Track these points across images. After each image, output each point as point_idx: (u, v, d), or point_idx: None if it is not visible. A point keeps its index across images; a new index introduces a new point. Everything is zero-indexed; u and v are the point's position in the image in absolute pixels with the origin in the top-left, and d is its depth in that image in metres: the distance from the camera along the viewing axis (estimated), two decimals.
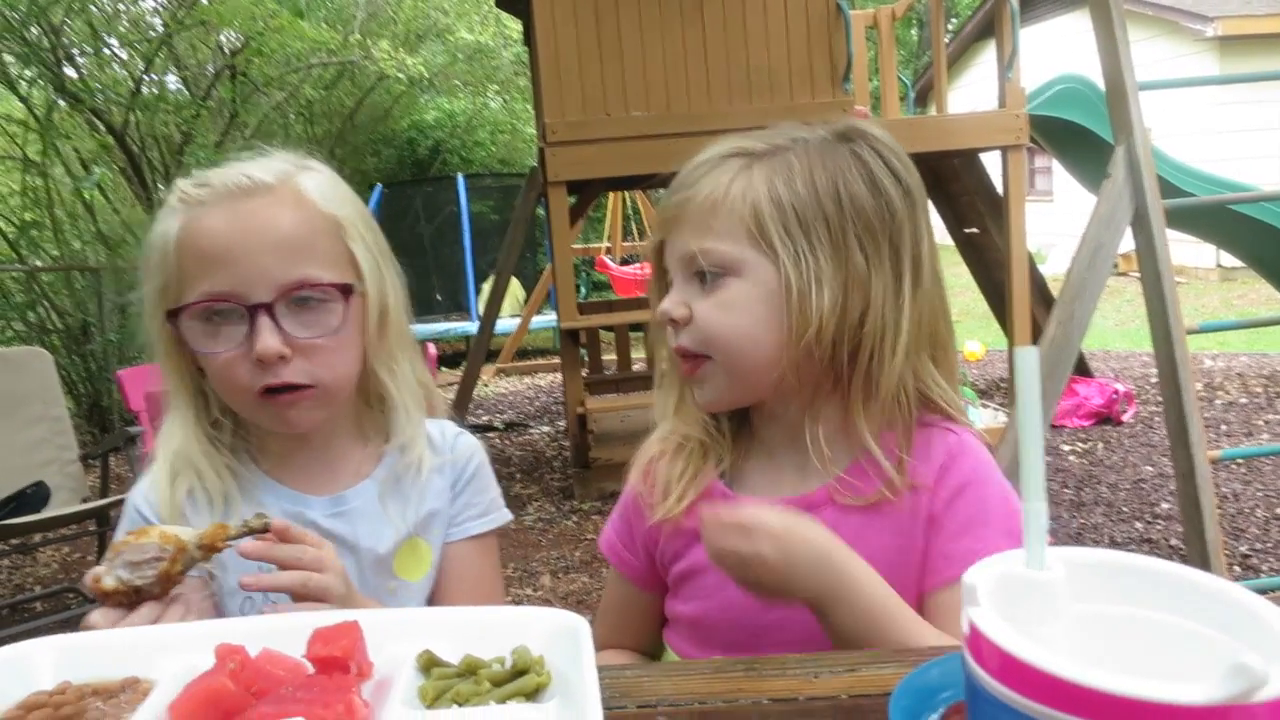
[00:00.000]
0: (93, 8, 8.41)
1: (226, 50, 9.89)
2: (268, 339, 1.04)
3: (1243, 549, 3.77)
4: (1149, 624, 0.54)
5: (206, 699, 0.65)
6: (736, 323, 1.01)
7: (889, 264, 1.01)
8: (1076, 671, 0.44)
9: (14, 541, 4.21)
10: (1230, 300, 10.40)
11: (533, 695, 0.70)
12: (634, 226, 11.54)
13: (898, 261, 1.01)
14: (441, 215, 11.03)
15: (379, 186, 10.95)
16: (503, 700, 0.69)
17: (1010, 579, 0.53)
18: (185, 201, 1.08)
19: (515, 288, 9.65)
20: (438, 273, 10.98)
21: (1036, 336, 4.81)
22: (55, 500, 3.77)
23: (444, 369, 9.12)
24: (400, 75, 11.57)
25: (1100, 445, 5.36)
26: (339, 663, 0.70)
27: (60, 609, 3.95)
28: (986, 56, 13.90)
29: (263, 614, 0.97)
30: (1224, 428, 5.48)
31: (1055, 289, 3.08)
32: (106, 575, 0.90)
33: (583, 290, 11.01)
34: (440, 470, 1.20)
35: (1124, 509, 4.31)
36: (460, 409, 5.95)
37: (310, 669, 0.71)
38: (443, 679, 0.72)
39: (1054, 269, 10.31)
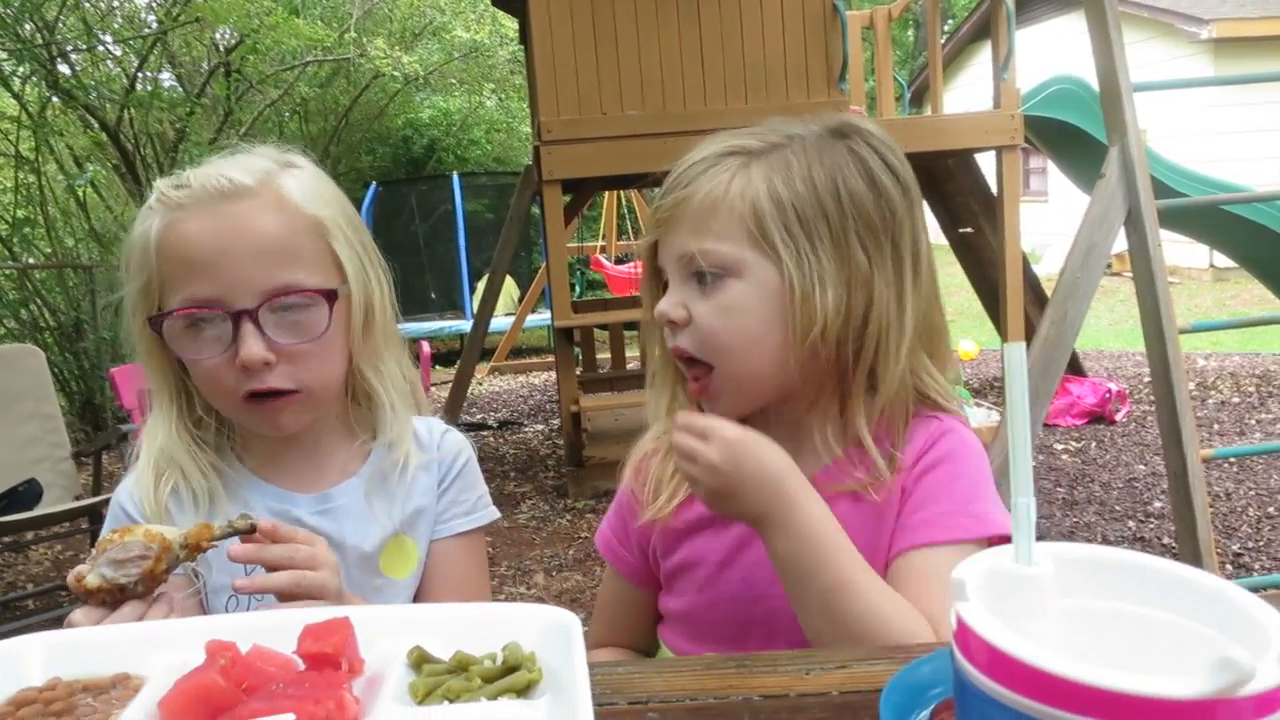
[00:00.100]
0: (86, 4, 8.39)
1: (221, 47, 9.88)
2: (252, 346, 1.03)
3: (1235, 547, 3.79)
4: (1136, 619, 0.54)
5: (197, 695, 0.65)
6: (738, 325, 0.99)
7: (891, 262, 1.01)
8: (1064, 666, 0.44)
9: (6, 539, 4.20)
10: (1223, 300, 10.43)
11: (524, 692, 0.70)
12: (629, 225, 11.54)
13: (899, 259, 1.01)
14: (436, 214, 11.02)
15: (374, 184, 10.94)
16: (494, 697, 0.69)
17: (998, 574, 0.53)
18: (164, 203, 1.07)
19: (510, 286, 9.65)
20: (432, 271, 10.97)
21: (1030, 336, 4.83)
22: (48, 498, 3.76)
23: (438, 367, 9.11)
24: (395, 73, 11.56)
25: (1093, 444, 5.37)
26: (330, 659, 0.70)
27: (52, 607, 3.94)
28: (982, 57, 13.93)
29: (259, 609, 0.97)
30: (1216, 427, 5.50)
31: (1049, 289, 3.09)
32: (90, 573, 0.89)
33: (577, 289, 11.01)
34: (427, 467, 1.20)
35: (1117, 508, 4.32)
36: (454, 407, 5.94)
37: (301, 665, 0.71)
38: (434, 675, 0.72)
39: (1048, 269, 10.33)
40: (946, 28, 17.45)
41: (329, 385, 1.12)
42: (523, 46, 6.72)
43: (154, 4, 9.31)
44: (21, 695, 0.72)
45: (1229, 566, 3.61)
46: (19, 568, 4.61)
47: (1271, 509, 4.18)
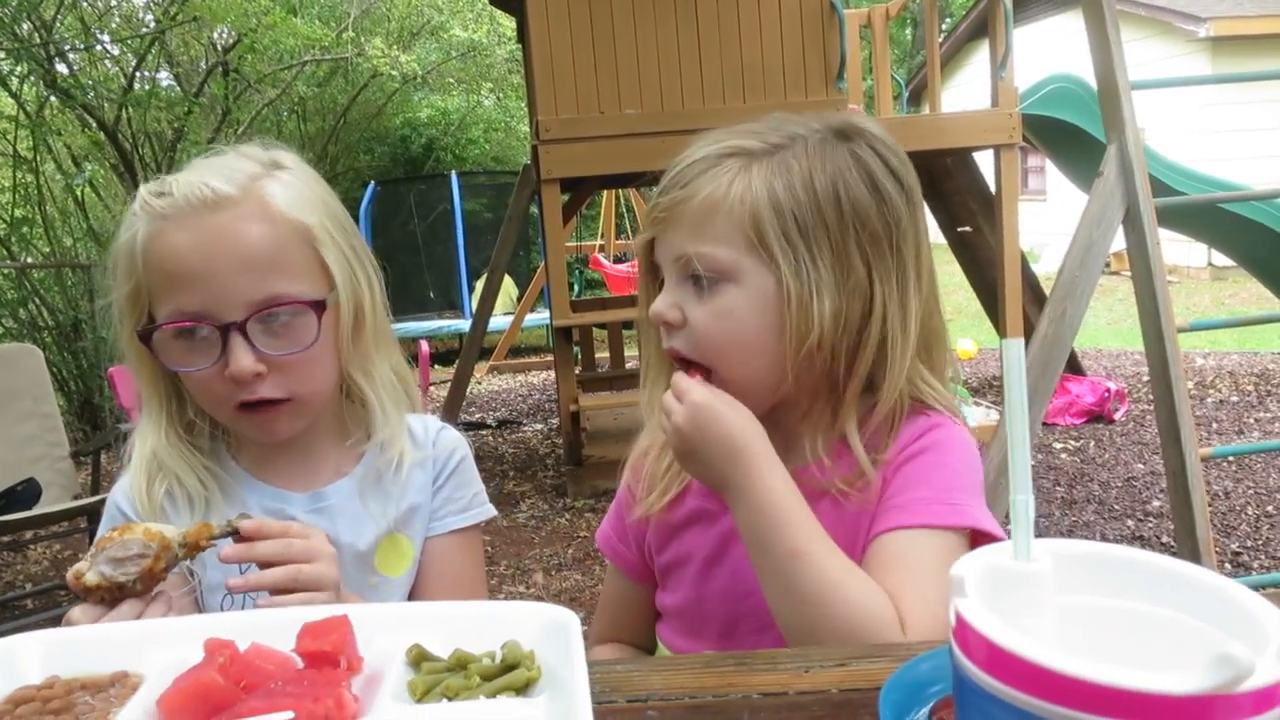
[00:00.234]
0: (84, 3, 8.38)
1: (219, 47, 9.86)
2: (241, 359, 1.03)
3: (1234, 546, 3.79)
4: (1135, 615, 0.54)
5: (196, 693, 0.65)
6: (734, 331, 0.99)
7: (895, 270, 1.00)
8: (1064, 662, 0.44)
9: (5, 538, 4.20)
10: (1221, 299, 10.44)
11: (523, 690, 0.70)
12: (628, 224, 11.54)
13: (903, 266, 1.00)
14: (435, 213, 11.01)
15: (372, 184, 10.94)
16: (493, 695, 0.69)
17: (997, 571, 0.53)
18: (148, 211, 1.05)
19: (508, 285, 9.64)
20: (431, 270, 10.97)
21: (1029, 335, 4.83)
22: (46, 497, 3.76)
23: (437, 366, 9.11)
24: (394, 73, 11.54)
25: (1092, 443, 5.38)
26: (329, 657, 0.70)
27: (51, 606, 3.94)
28: (980, 56, 13.94)
29: (258, 607, 0.96)
30: (1215, 426, 5.50)
31: (1048, 287, 3.09)
32: (89, 571, 0.89)
33: (576, 288, 10.99)
34: (422, 465, 1.20)
35: (1116, 507, 4.32)
36: (453, 406, 5.94)
37: (300, 663, 0.71)
38: (432, 673, 0.72)
39: (1047, 268, 10.33)
40: (944, 26, 17.45)
41: (321, 392, 1.12)
42: (520, 46, 6.71)
43: (152, 3, 9.30)
44: (20, 694, 0.71)
45: (1228, 565, 3.61)
46: (17, 567, 4.61)
47: (1270, 508, 4.19)
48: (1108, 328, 9.30)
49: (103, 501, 3.75)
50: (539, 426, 6.88)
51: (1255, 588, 0.56)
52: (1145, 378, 6.39)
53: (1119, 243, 2.87)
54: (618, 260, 11.31)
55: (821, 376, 1.02)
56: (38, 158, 7.35)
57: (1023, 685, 0.45)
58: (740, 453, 0.95)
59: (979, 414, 5.58)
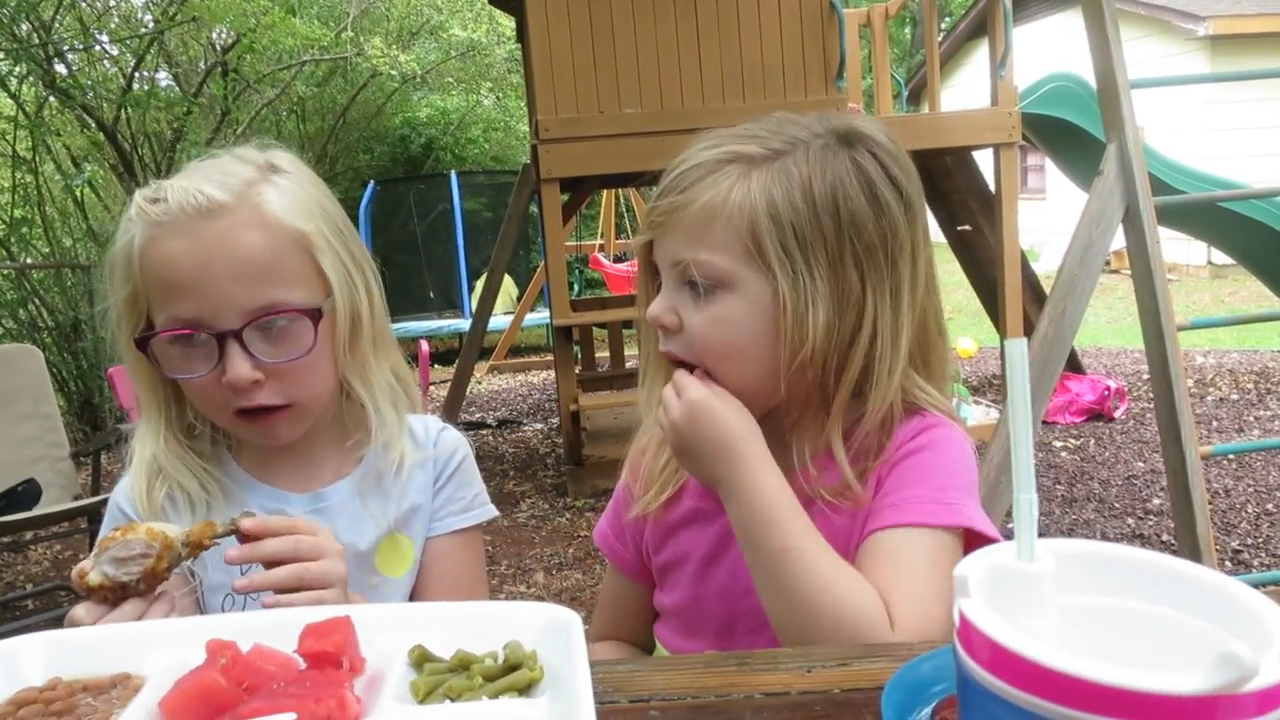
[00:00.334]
0: (83, 4, 8.37)
1: (218, 47, 9.86)
2: (239, 367, 1.03)
3: (1234, 544, 3.79)
4: (1138, 615, 0.54)
5: (198, 694, 0.65)
6: (730, 338, 0.99)
7: (889, 284, 0.99)
8: (1066, 662, 0.44)
9: (5, 539, 4.19)
10: (1221, 297, 10.45)
11: (525, 690, 0.70)
12: (627, 224, 11.54)
13: (897, 280, 1.00)
14: (434, 212, 11.01)
15: (372, 183, 10.93)
16: (495, 695, 0.69)
17: (1000, 570, 0.53)
18: (143, 218, 1.05)
19: (508, 285, 9.64)
20: (431, 270, 10.97)
21: (1029, 334, 4.83)
22: (46, 498, 3.76)
23: (437, 366, 9.11)
24: (393, 72, 11.54)
25: (1092, 441, 5.38)
26: (331, 658, 0.70)
27: (52, 606, 3.94)
28: (979, 55, 13.94)
29: (265, 607, 0.96)
30: (1215, 424, 5.51)
31: (1048, 286, 3.09)
32: (92, 570, 0.90)
33: (576, 287, 10.99)
34: (423, 465, 1.20)
35: (1116, 505, 4.33)
36: (453, 406, 5.94)
37: (302, 664, 0.71)
38: (435, 674, 0.72)
39: (1047, 266, 10.34)
40: (943, 25, 17.45)
41: (320, 396, 1.12)
42: (520, 45, 6.71)
43: (151, 3, 9.30)
44: (22, 695, 0.71)
45: (1228, 563, 3.61)
46: (18, 568, 4.60)
47: (1270, 505, 4.19)
48: (1108, 326, 9.30)
49: (103, 502, 3.76)
50: (539, 426, 6.88)
51: (1256, 585, 0.56)
52: (1145, 376, 6.39)
53: (1119, 241, 2.87)
54: (618, 260, 11.30)
55: (812, 386, 1.02)
56: (37, 158, 7.35)
57: (1026, 685, 0.45)
58: (733, 451, 0.96)
59: (979, 412, 5.58)
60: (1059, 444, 5.35)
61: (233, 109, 9.65)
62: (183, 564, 0.96)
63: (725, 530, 1.04)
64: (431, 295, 10.87)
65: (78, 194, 7.73)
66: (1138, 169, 2.80)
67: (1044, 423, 5.50)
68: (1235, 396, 6.15)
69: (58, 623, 0.91)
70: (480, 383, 8.67)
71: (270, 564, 0.95)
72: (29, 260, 7.48)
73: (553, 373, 6.26)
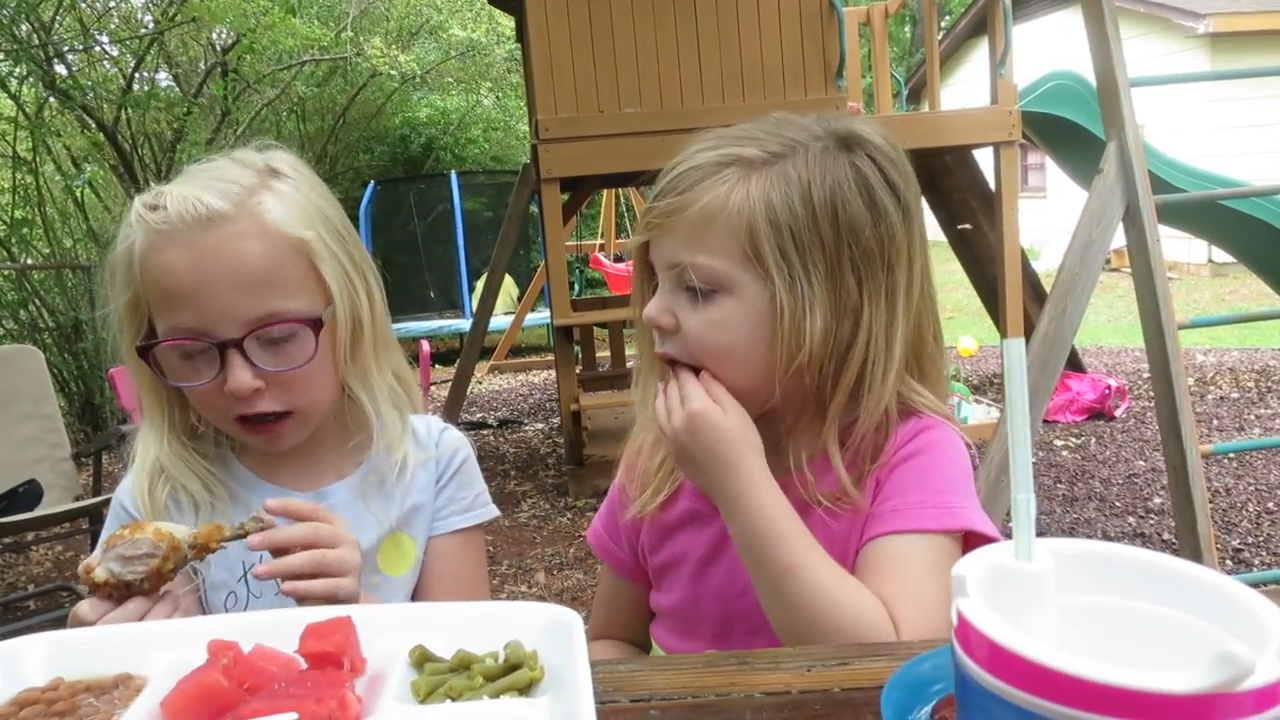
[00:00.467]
0: (83, 4, 8.37)
1: (218, 47, 9.86)
2: (240, 376, 1.03)
3: (1234, 543, 3.79)
4: (1136, 614, 0.54)
5: (199, 695, 0.65)
6: (726, 341, 0.99)
7: (884, 290, 0.99)
8: (1065, 661, 0.44)
9: (7, 540, 4.20)
10: (1221, 295, 10.44)
11: (526, 690, 0.70)
12: (628, 223, 11.53)
13: (893, 286, 0.99)
14: (435, 212, 11.01)
15: (372, 183, 10.94)
16: (496, 695, 0.69)
17: (999, 570, 0.53)
18: (143, 225, 1.05)
19: (509, 285, 9.64)
20: (431, 270, 10.97)
21: (1029, 332, 4.84)
22: (48, 498, 3.76)
23: (438, 366, 9.11)
24: (393, 72, 11.55)
25: (1093, 440, 5.38)
26: (332, 658, 0.70)
27: (53, 607, 3.95)
28: (979, 53, 13.94)
29: (282, 593, 0.96)
30: (1216, 422, 5.50)
31: (1048, 285, 3.09)
32: (99, 567, 0.90)
33: (577, 287, 11.00)
34: (424, 465, 1.20)
35: (1116, 504, 4.33)
36: (454, 406, 5.94)
37: (303, 664, 0.71)
38: (436, 674, 0.72)
39: (1047, 265, 10.34)
40: (943, 23, 17.44)
41: (321, 402, 1.12)
42: (519, 45, 6.71)
43: (150, 4, 9.30)
44: (24, 696, 0.72)
45: (1229, 562, 3.61)
46: (20, 568, 4.61)
47: (1271, 504, 4.19)
48: (1108, 325, 9.30)
49: (104, 503, 3.77)
50: (540, 426, 6.88)
51: (1256, 584, 0.56)
52: (1146, 374, 6.39)
53: (1119, 239, 2.87)
54: (618, 259, 11.30)
55: (808, 391, 1.01)
56: (37, 159, 7.35)
57: (1025, 685, 0.45)
58: (731, 466, 0.96)
59: (979, 411, 5.58)
60: (1060, 443, 5.35)
61: (233, 109, 9.66)
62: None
63: (722, 531, 1.04)
64: (432, 295, 10.88)
65: (78, 195, 7.74)
66: (1138, 167, 2.80)
67: (1045, 421, 5.50)
68: (1236, 395, 6.14)
69: (59, 623, 0.91)
70: (481, 383, 8.67)
71: (283, 550, 0.95)
72: (29, 261, 7.49)
73: (553, 372, 6.27)
